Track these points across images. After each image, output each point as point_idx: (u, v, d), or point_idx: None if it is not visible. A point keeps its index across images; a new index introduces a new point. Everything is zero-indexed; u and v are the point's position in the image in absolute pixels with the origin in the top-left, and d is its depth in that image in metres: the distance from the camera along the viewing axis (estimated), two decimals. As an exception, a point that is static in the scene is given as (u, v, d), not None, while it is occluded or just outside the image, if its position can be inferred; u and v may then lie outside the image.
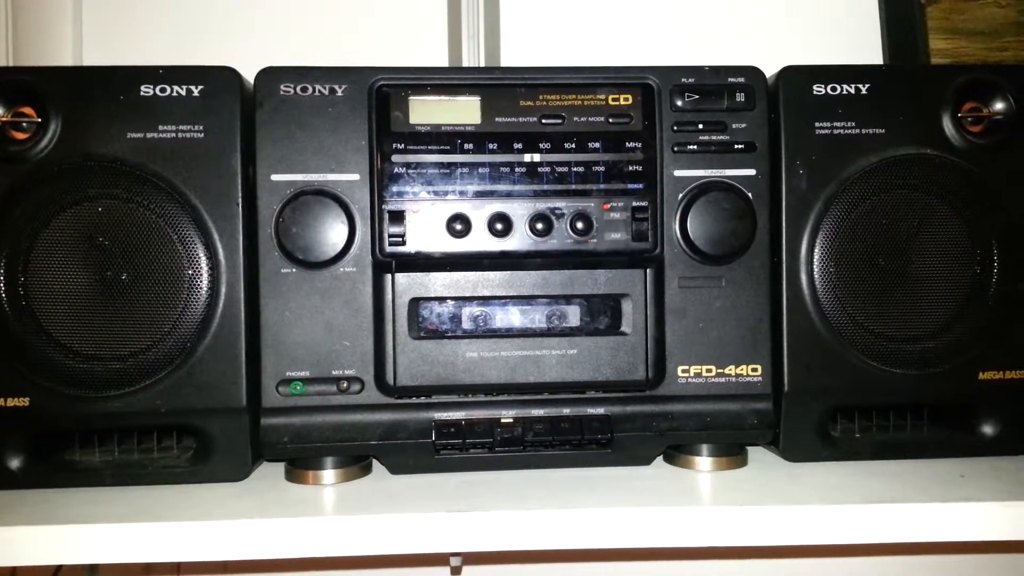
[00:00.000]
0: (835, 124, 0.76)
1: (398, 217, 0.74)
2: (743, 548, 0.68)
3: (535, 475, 0.75)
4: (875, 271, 0.76)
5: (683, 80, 0.76)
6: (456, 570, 1.05)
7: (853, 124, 0.76)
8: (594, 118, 0.76)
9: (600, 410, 0.75)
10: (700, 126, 0.76)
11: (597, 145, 0.75)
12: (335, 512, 0.68)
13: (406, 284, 0.73)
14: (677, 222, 0.76)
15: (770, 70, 0.78)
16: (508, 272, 0.75)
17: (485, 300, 0.75)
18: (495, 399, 0.75)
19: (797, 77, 0.77)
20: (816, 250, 0.76)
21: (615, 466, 0.77)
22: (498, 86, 0.76)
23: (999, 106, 0.78)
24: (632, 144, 0.75)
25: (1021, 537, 0.67)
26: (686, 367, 0.76)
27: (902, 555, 1.09)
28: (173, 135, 0.72)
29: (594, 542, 0.66)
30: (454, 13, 1.10)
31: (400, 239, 0.74)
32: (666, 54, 1.09)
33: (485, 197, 0.74)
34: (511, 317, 0.75)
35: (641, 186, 0.75)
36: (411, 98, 0.75)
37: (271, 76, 0.74)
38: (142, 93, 0.72)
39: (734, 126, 0.76)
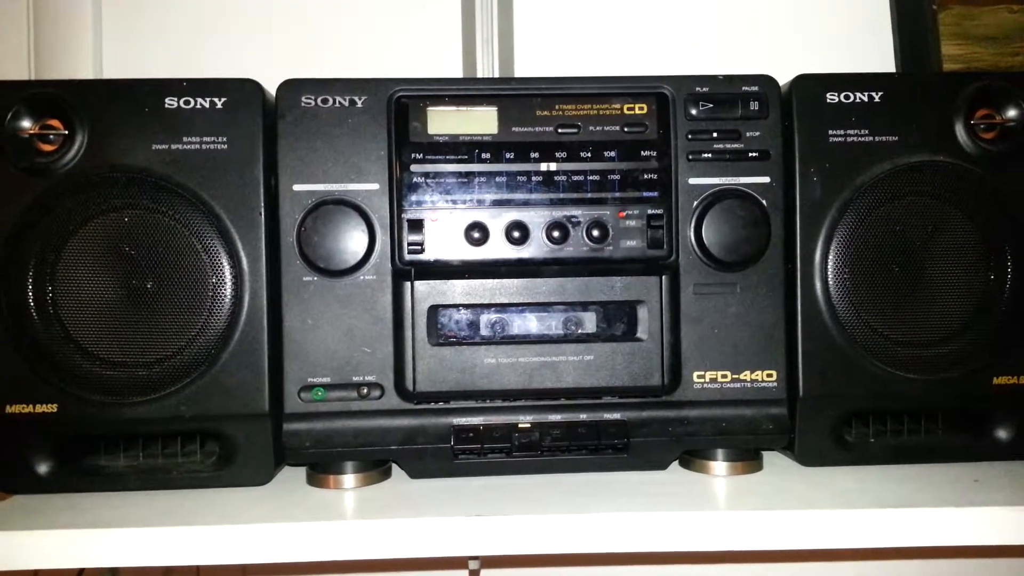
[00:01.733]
0: (848, 132, 0.77)
1: (417, 226, 0.75)
2: (759, 552, 0.69)
3: (552, 479, 0.76)
4: (889, 277, 0.77)
5: (697, 89, 0.77)
6: (474, 573, 1.06)
7: (866, 131, 0.77)
8: (609, 127, 0.77)
9: (616, 415, 0.76)
10: (714, 134, 0.77)
11: (612, 154, 0.76)
12: (355, 516, 0.69)
13: (425, 292, 0.74)
14: (692, 229, 0.76)
15: (783, 78, 0.79)
16: (525, 279, 0.75)
17: (502, 307, 0.75)
18: (513, 404, 0.76)
19: (810, 85, 0.77)
20: (830, 256, 0.76)
21: (631, 471, 0.78)
22: (515, 96, 0.77)
23: (1011, 113, 0.78)
24: (647, 153, 0.76)
25: (1036, 541, 0.67)
26: (701, 373, 0.77)
27: (917, 559, 1.09)
28: (197, 146, 0.73)
29: (611, 546, 0.67)
30: (468, 23, 1.11)
31: (419, 247, 0.75)
32: (680, 63, 1.10)
33: (502, 206, 0.75)
34: (528, 324, 0.76)
35: (656, 194, 0.76)
36: (429, 109, 0.76)
37: (292, 88, 0.75)
38: (166, 105, 0.73)
39: (748, 134, 0.77)
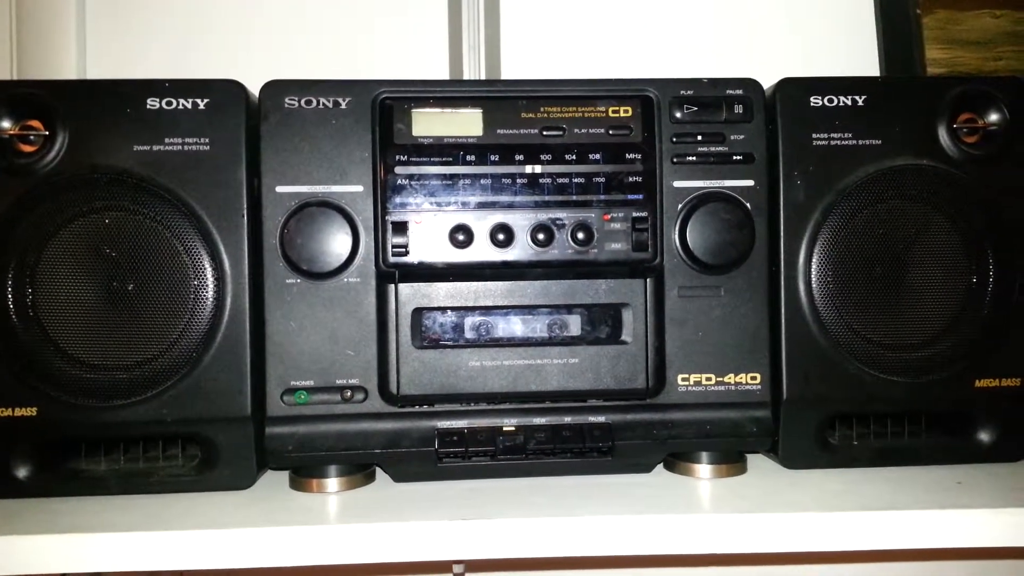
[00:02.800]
0: (832, 135, 0.77)
1: (401, 228, 0.74)
2: (743, 555, 0.69)
3: (537, 483, 0.76)
4: (872, 280, 0.77)
5: (682, 92, 0.77)
6: (458, 577, 1.06)
7: (850, 135, 0.77)
8: (594, 130, 0.77)
9: (601, 418, 0.76)
10: (699, 137, 0.77)
11: (597, 156, 0.76)
12: (339, 520, 0.68)
13: (409, 294, 0.74)
14: (676, 232, 0.76)
15: (768, 82, 0.79)
16: (510, 282, 0.75)
17: (487, 310, 0.75)
18: (497, 408, 0.76)
19: (794, 89, 0.78)
20: (814, 259, 0.77)
21: (616, 474, 0.78)
22: (500, 98, 0.77)
23: (993, 117, 0.79)
24: (632, 155, 0.76)
25: (1018, 543, 0.67)
26: (686, 375, 0.77)
27: (900, 561, 1.10)
28: (179, 147, 0.73)
29: (596, 549, 0.67)
30: (455, 25, 1.11)
31: (403, 250, 0.74)
32: (665, 66, 1.10)
33: (487, 208, 0.75)
34: (513, 326, 0.76)
35: (641, 197, 0.76)
36: (414, 110, 0.76)
37: (276, 89, 0.75)
38: (148, 106, 0.73)
39: (732, 137, 0.77)
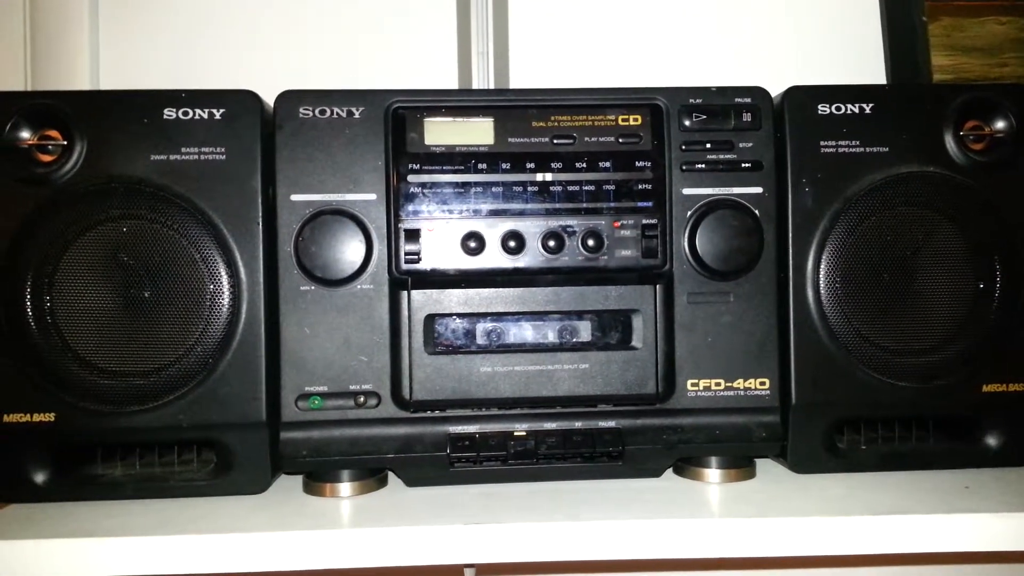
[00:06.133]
0: (840, 143, 0.78)
1: (414, 235, 0.75)
2: (752, 559, 0.69)
3: (548, 487, 0.77)
4: (880, 286, 0.78)
5: (691, 100, 0.78)
6: (469, 581, 1.06)
7: (857, 143, 0.78)
8: (604, 138, 0.77)
9: (611, 423, 0.77)
10: (708, 145, 0.78)
11: (607, 164, 0.77)
12: (352, 524, 0.69)
13: (422, 301, 0.75)
14: (686, 239, 0.77)
15: (776, 90, 0.80)
16: (521, 289, 0.76)
17: (499, 316, 0.76)
18: (508, 413, 0.77)
19: (802, 97, 0.78)
20: (822, 266, 0.77)
21: (626, 478, 0.78)
22: (511, 107, 0.77)
23: (1000, 124, 0.79)
24: (641, 163, 0.77)
25: (1025, 547, 0.68)
26: (695, 381, 0.77)
27: (907, 565, 1.10)
28: (195, 157, 0.74)
29: (606, 553, 0.67)
30: (464, 34, 1.11)
31: (416, 257, 0.75)
32: (673, 75, 1.11)
33: (498, 216, 0.76)
34: (524, 332, 0.76)
35: (650, 204, 0.77)
36: (426, 120, 0.76)
37: (290, 99, 0.76)
38: (165, 116, 0.74)
39: (741, 145, 0.78)
